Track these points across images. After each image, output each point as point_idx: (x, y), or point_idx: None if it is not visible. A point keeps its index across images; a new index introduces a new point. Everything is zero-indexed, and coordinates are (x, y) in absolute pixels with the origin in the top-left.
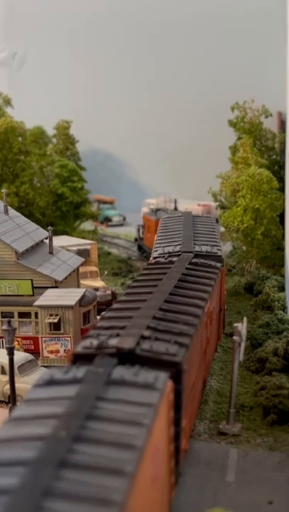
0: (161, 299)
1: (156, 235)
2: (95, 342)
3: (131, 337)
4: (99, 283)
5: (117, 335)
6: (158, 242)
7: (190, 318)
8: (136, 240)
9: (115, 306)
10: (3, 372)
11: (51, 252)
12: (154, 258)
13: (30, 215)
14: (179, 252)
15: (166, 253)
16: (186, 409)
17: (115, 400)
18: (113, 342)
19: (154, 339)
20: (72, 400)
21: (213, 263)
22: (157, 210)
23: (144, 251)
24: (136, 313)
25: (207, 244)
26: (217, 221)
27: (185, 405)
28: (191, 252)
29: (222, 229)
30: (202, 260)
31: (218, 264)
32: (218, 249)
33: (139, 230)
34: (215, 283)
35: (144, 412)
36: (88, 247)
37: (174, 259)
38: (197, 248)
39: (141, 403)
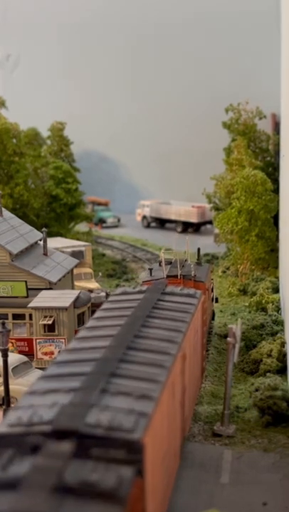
0: None
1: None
2: None
3: None
4: (93, 284)
5: None
6: (52, 368)
7: None
8: None
9: None
10: None
11: (45, 254)
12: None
13: (24, 217)
14: (56, 425)
15: (31, 425)
16: None
17: None
18: None
19: None
20: None
21: (117, 472)
22: (165, 263)
23: None
24: None
25: (130, 394)
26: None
27: None
28: (75, 433)
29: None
30: (95, 462)
31: (127, 474)
32: (140, 415)
33: None
34: None
35: None
36: (83, 248)
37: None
38: (93, 417)
39: None
